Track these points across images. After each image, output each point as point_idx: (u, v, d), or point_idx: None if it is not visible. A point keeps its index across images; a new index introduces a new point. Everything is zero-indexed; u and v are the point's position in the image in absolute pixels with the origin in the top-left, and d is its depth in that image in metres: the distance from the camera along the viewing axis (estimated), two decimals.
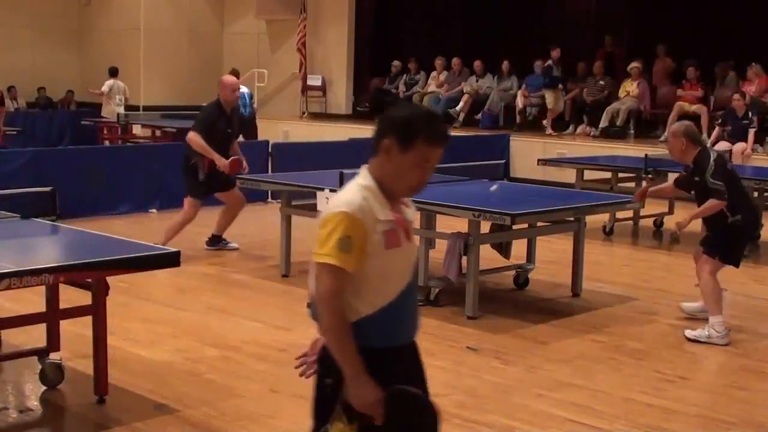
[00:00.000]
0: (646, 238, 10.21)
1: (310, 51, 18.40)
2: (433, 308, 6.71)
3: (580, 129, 15.53)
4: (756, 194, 9.32)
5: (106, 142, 15.88)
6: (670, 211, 10.35)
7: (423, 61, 17.80)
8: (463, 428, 4.56)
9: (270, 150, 12.05)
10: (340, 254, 2.66)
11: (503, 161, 10.29)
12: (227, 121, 8.32)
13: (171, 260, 4.65)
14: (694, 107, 14.43)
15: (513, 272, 7.51)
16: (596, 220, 9.12)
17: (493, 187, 7.86)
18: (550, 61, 15.42)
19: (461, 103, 16.54)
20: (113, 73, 17.26)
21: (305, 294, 7.02)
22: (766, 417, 4.90)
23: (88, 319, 4.65)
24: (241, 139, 13.18)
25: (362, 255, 2.69)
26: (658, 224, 10.55)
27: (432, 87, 17.38)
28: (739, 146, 12.34)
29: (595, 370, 5.52)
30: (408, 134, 2.73)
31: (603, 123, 15.01)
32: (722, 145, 12.44)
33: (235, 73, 13.84)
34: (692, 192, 6.41)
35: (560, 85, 15.57)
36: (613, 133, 14.80)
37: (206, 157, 8.11)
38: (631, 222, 10.46)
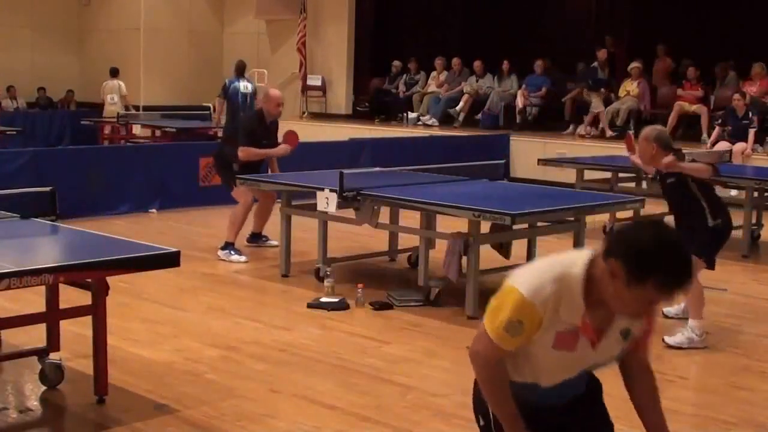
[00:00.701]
0: None
1: (310, 51, 18.40)
2: (433, 308, 6.72)
3: (580, 129, 15.53)
4: (756, 194, 9.31)
5: (106, 142, 15.89)
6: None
7: (423, 61, 17.80)
8: (463, 428, 4.55)
9: None
10: (505, 336, 2.55)
11: (503, 161, 10.27)
12: (265, 131, 8.37)
13: (171, 260, 4.65)
14: (694, 107, 14.44)
15: None
16: (596, 220, 9.11)
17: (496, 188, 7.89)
18: (595, 63, 15.07)
19: (461, 103, 16.53)
20: (112, 73, 17.31)
21: (305, 294, 7.08)
22: (766, 417, 4.90)
23: (88, 319, 4.64)
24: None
25: (528, 339, 2.57)
26: None
27: (432, 87, 17.37)
28: (739, 146, 12.34)
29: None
30: (639, 271, 2.38)
31: (603, 123, 15.02)
32: (722, 145, 12.45)
33: (242, 64, 13.79)
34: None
35: (603, 89, 15.06)
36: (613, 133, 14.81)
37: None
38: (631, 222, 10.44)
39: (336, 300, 6.76)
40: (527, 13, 18.06)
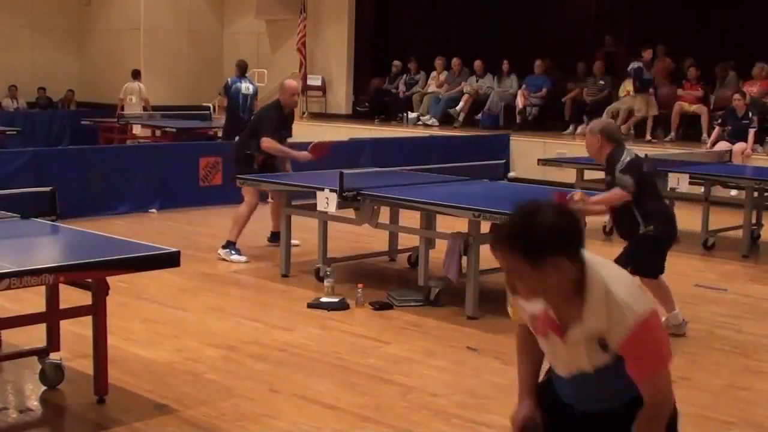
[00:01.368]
0: None
1: (310, 51, 18.40)
2: (433, 308, 6.71)
3: (580, 129, 15.52)
4: (756, 194, 9.31)
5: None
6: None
7: (423, 61, 17.79)
8: (463, 428, 4.56)
9: None
10: (509, 304, 2.83)
11: (503, 161, 10.27)
12: (284, 122, 8.52)
13: (171, 260, 4.65)
14: (694, 107, 14.44)
15: None
16: (596, 220, 9.11)
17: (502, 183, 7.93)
18: (639, 63, 14.36)
19: (461, 103, 16.53)
20: (133, 75, 17.39)
21: (305, 294, 7.08)
22: (766, 417, 4.90)
23: (88, 319, 4.65)
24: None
25: (517, 311, 2.80)
26: None
27: (432, 87, 17.37)
28: (739, 146, 12.34)
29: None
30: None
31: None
32: (722, 145, 12.45)
33: (244, 64, 13.79)
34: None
35: (651, 89, 14.45)
36: None
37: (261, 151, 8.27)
38: None
39: (336, 300, 6.76)
40: (527, 13, 18.05)
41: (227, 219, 8.48)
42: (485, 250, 6.87)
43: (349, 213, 7.23)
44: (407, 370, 5.39)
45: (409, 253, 8.17)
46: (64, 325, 5.06)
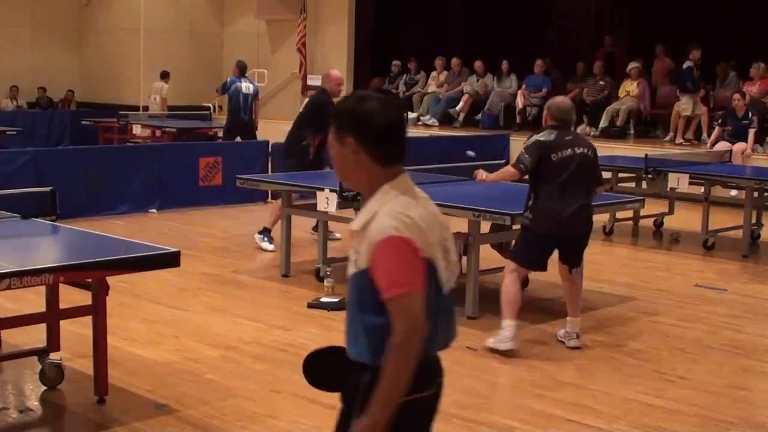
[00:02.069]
0: (646, 238, 10.20)
1: (310, 51, 18.40)
2: None
3: (580, 129, 15.51)
4: (756, 194, 9.31)
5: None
6: (670, 211, 10.36)
7: (423, 61, 17.79)
8: (463, 428, 4.56)
9: (270, 150, 12.05)
10: None
11: (503, 161, 10.26)
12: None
13: (171, 260, 4.65)
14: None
15: None
16: (596, 220, 9.10)
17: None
18: (690, 63, 13.90)
19: (461, 103, 16.52)
20: (162, 75, 17.46)
21: (305, 294, 7.07)
22: (766, 417, 4.90)
23: (88, 319, 4.65)
24: (239, 139, 13.19)
25: None
26: (658, 224, 10.55)
27: (432, 87, 17.37)
28: (739, 146, 12.34)
29: (595, 370, 5.52)
30: None
31: (603, 123, 15.01)
32: (722, 145, 12.45)
33: (242, 64, 13.79)
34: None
35: (702, 90, 14.07)
36: (613, 133, 14.80)
37: (318, 136, 8.36)
38: (631, 222, 10.46)
39: (336, 300, 6.75)
40: (527, 13, 18.05)
41: (227, 219, 8.50)
42: (485, 250, 6.90)
43: (349, 213, 7.22)
44: None
45: None
46: (64, 325, 5.06)
